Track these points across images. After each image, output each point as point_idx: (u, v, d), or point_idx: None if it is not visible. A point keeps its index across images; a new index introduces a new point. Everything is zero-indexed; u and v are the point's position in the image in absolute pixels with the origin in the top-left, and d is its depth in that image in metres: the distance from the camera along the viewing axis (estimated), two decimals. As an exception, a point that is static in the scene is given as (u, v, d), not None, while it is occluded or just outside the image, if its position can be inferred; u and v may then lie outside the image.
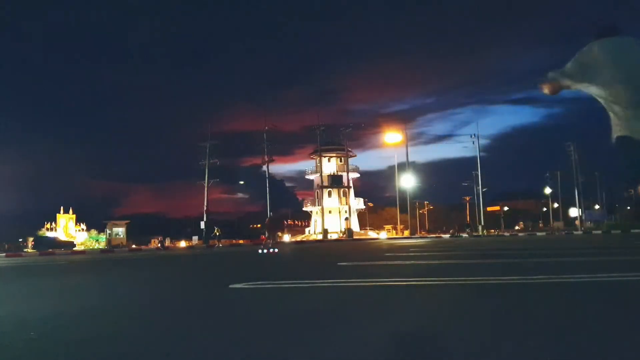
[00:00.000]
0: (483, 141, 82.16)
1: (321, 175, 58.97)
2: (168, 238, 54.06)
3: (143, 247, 40.40)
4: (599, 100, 3.33)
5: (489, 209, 66.13)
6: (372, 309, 3.50)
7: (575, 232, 43.38)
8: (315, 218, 61.82)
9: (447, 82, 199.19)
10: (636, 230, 37.71)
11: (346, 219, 56.91)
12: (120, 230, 46.35)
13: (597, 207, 70.58)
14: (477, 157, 57.26)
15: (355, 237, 48.88)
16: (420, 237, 42.22)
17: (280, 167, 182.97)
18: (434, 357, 2.14)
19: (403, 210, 60.88)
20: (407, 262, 8.70)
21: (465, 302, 3.72)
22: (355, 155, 64.70)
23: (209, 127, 51.65)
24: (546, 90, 3.52)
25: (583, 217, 56.71)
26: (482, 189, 57.00)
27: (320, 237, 50.52)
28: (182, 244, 44.87)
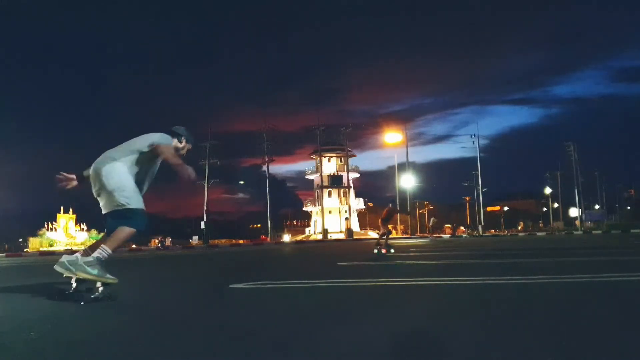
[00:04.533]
0: (482, 141, 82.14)
1: (321, 175, 59.02)
2: (168, 238, 54.00)
3: (143, 247, 40.37)
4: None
5: (489, 209, 66.18)
6: (372, 309, 3.50)
7: (575, 232, 43.36)
8: (316, 218, 61.85)
9: (446, 83, 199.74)
10: (636, 230, 37.71)
11: (346, 219, 56.91)
12: (120, 230, 46.22)
13: (597, 207, 70.57)
14: (476, 157, 57.37)
15: (355, 237, 48.88)
16: (420, 237, 42.21)
17: (280, 167, 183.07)
18: (434, 357, 2.14)
19: (403, 210, 60.82)
20: (407, 262, 8.70)
21: (466, 302, 3.72)
22: (355, 156, 64.79)
23: (209, 127, 51.53)
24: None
25: (583, 217, 56.67)
26: (482, 189, 57.02)
27: (320, 237, 50.52)
28: (183, 244, 44.87)
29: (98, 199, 4.26)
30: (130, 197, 4.10)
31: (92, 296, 3.88)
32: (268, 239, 49.73)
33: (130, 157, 4.24)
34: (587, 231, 44.27)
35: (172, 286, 5.81)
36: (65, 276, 4.03)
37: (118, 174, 4.14)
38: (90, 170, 4.25)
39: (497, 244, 19.06)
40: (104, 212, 4.21)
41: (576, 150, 57.29)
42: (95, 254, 3.96)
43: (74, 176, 4.41)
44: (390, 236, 13.14)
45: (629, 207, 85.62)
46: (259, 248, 27.21)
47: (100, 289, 3.89)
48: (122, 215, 4.07)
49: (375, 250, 11.87)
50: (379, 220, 13.09)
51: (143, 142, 4.31)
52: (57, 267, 4.01)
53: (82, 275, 3.90)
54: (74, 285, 4.04)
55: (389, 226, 12.98)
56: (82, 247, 4.39)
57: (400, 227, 58.52)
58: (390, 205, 13.66)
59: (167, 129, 4.53)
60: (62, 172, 4.42)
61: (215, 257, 15.04)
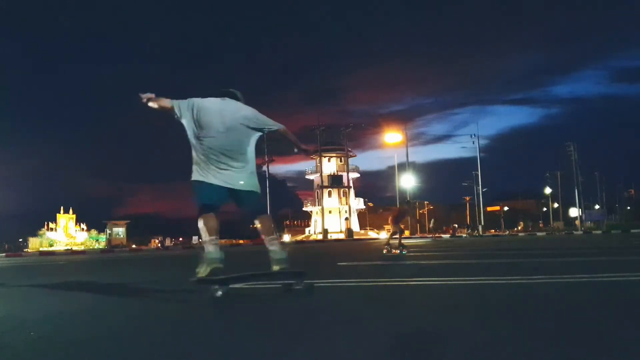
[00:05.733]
0: (482, 141, 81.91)
1: (321, 175, 58.98)
2: (168, 238, 54.04)
3: (143, 247, 40.38)
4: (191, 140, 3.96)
5: (489, 209, 66.19)
6: (372, 309, 3.50)
7: (575, 232, 43.35)
8: (316, 218, 61.86)
9: (446, 83, 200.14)
10: (636, 230, 37.71)
11: (346, 219, 56.96)
12: (120, 230, 46.37)
13: (597, 207, 70.55)
14: (476, 157, 57.34)
15: (355, 237, 48.87)
16: (421, 237, 42.22)
17: (280, 168, 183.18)
18: (435, 357, 2.14)
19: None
20: (407, 262, 8.70)
21: (466, 302, 3.72)
22: (355, 156, 64.79)
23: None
24: (148, 102, 3.94)
25: (583, 217, 56.63)
26: (482, 189, 57.02)
27: (320, 237, 50.52)
28: (183, 244, 44.85)
29: (224, 172, 3.89)
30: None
31: (300, 286, 4.02)
32: (268, 239, 49.61)
33: (251, 144, 4.04)
34: (587, 231, 44.25)
35: (172, 286, 5.80)
36: (205, 277, 3.80)
37: (254, 158, 4.04)
38: (220, 140, 3.89)
39: (497, 244, 19.07)
40: (237, 187, 3.93)
41: (576, 150, 57.26)
42: (280, 247, 4.06)
43: (152, 95, 3.95)
44: (403, 235, 12.80)
45: (629, 207, 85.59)
46: (258, 248, 27.19)
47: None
48: (258, 200, 4.09)
49: (385, 251, 11.47)
50: (390, 218, 12.62)
51: (261, 121, 4.05)
52: (211, 266, 3.80)
53: (278, 268, 3.95)
54: (218, 290, 3.86)
55: (400, 225, 12.59)
56: (215, 240, 3.94)
57: (400, 227, 58.51)
58: (405, 205, 13.34)
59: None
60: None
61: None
